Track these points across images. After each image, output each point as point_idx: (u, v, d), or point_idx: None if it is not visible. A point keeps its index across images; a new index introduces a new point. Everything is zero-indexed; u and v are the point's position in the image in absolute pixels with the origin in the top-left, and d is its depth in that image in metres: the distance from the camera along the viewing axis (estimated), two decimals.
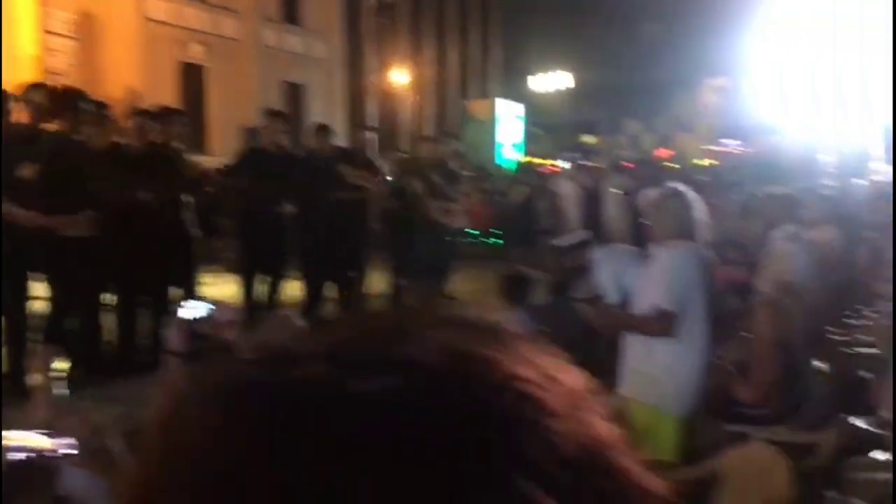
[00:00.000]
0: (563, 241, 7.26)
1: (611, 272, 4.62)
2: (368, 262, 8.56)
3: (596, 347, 5.34)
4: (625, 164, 15.18)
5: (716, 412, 4.16)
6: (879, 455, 4.41)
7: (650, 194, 3.97)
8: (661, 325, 3.71)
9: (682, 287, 3.67)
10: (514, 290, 5.72)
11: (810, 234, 6.54)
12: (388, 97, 27.17)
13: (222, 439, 0.38)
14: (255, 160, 7.23)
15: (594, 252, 5.85)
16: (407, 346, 0.42)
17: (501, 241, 14.76)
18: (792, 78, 19.25)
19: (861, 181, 14.91)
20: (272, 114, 7.49)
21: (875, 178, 18.21)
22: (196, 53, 18.77)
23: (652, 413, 3.76)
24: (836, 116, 19.39)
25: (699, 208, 3.84)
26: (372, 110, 24.36)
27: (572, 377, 0.45)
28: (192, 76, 18.82)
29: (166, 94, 17.05)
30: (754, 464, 3.20)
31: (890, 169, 20.38)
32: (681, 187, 3.99)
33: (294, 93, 21.74)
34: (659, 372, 3.74)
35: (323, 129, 8.14)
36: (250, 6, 20.19)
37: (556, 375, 0.43)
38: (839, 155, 18.91)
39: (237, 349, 0.49)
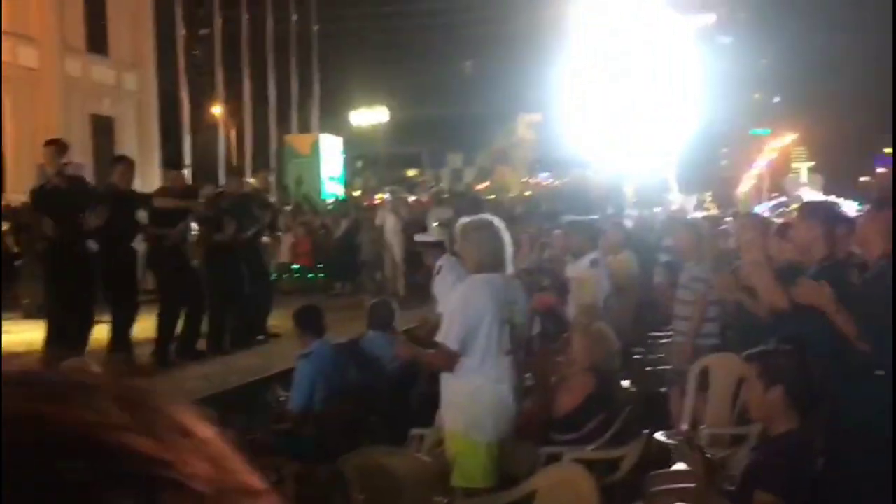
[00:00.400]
0: (423, 237, 7.44)
1: (450, 281, 4.74)
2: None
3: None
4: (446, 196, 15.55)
5: (529, 436, 4.32)
6: (680, 466, 4.75)
7: (458, 225, 4.08)
8: (444, 361, 3.85)
9: (462, 322, 3.80)
10: (312, 321, 5.73)
11: (609, 260, 6.98)
12: (204, 131, 26.37)
13: None
14: (47, 197, 6.73)
15: (442, 259, 5.97)
16: None
17: (325, 275, 14.67)
18: (598, 113, 20.57)
19: (658, 209, 16.11)
20: (49, 143, 6.95)
21: (672, 207, 19.80)
22: None
23: (463, 441, 3.85)
24: (636, 150, 20.90)
25: (505, 239, 3.99)
26: (187, 145, 23.55)
27: (182, 413, 0.42)
28: None
29: None
30: (562, 482, 3.36)
31: (682, 197, 22.17)
32: (486, 218, 4.14)
33: (103, 126, 20.64)
34: (464, 401, 3.85)
35: (122, 161, 7.77)
36: (50, 35, 19.01)
37: (159, 416, 0.41)
38: (639, 186, 20.39)
39: None
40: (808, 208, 4.96)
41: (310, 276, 14.72)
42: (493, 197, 19.89)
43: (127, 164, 7.62)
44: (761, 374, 3.00)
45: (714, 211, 21.11)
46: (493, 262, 3.89)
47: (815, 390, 3.03)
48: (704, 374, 5.39)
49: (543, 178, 33.69)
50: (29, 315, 9.34)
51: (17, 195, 12.27)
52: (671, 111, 22.29)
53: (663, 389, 6.31)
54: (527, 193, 28.83)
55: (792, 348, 3.09)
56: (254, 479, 0.43)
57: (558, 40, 25.57)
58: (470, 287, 3.91)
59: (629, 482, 4.28)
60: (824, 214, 4.48)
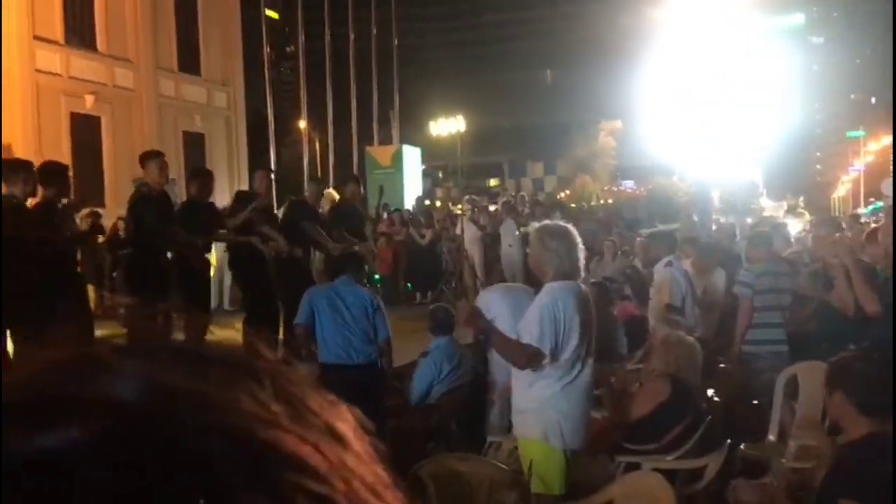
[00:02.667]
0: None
1: (504, 310, 4.71)
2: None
3: None
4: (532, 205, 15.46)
5: (605, 444, 4.26)
6: (766, 479, 4.60)
7: (533, 231, 4.05)
8: (528, 356, 3.80)
9: (549, 327, 3.76)
10: (444, 323, 5.80)
11: (687, 266, 6.83)
12: (289, 145, 27.05)
13: None
14: (143, 205, 7.00)
15: (487, 292, 5.97)
16: (102, 382, 0.36)
17: (411, 286, 14.80)
18: (682, 119, 20.16)
19: (749, 220, 15.64)
20: (152, 155, 7.23)
21: (765, 213, 19.19)
22: (89, 104, 18.31)
23: (538, 448, 3.82)
24: (723, 155, 20.37)
25: (580, 246, 3.96)
26: (273, 158, 24.19)
27: (334, 415, 0.40)
28: (85, 127, 18.34)
29: (59, 145, 16.54)
30: (640, 491, 3.30)
31: (772, 204, 21.50)
32: (561, 225, 4.10)
33: (195, 141, 21.43)
34: (539, 407, 3.82)
35: (201, 174, 8.05)
36: (145, 57, 19.89)
37: (311, 415, 0.39)
38: (726, 192, 19.87)
39: None
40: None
41: (396, 285, 14.84)
42: (574, 205, 19.72)
43: (206, 176, 7.90)
44: (827, 381, 2.89)
45: (807, 216, 20.41)
46: (570, 270, 3.85)
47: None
48: (792, 383, 5.21)
49: (626, 185, 33.27)
50: (125, 324, 9.71)
51: (115, 209, 12.83)
52: (759, 115, 21.66)
53: (755, 401, 6.14)
54: (609, 201, 28.51)
55: (871, 352, 2.97)
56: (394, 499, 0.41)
57: (639, 46, 25.23)
58: (554, 294, 3.86)
59: (712, 493, 4.17)
60: None
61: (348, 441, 0.39)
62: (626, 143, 34.84)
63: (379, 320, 5.65)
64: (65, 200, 6.22)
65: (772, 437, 5.19)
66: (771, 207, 22.48)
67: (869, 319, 4.53)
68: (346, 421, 0.41)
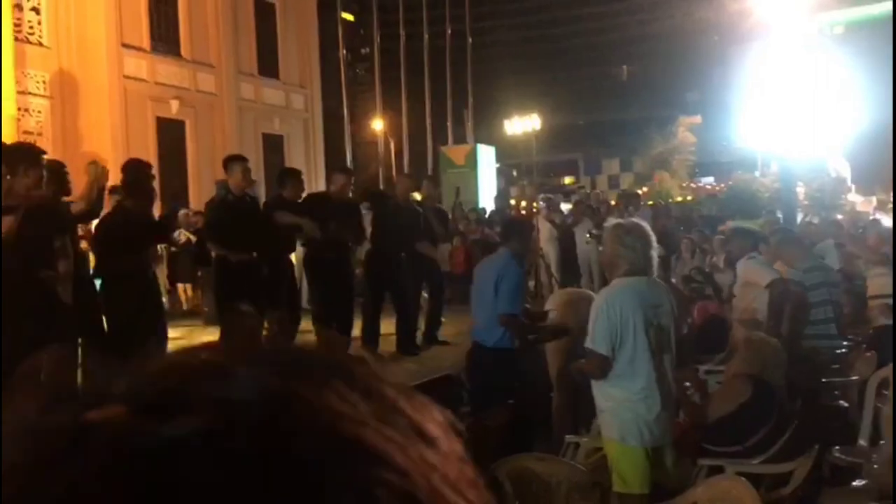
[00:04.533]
0: None
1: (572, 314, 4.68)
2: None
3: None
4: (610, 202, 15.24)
5: (687, 446, 4.18)
6: (858, 483, 4.43)
7: (607, 228, 4.02)
8: (593, 366, 3.79)
9: (611, 330, 3.74)
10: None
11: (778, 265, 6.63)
12: (364, 145, 27.38)
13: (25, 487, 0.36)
14: (226, 211, 7.16)
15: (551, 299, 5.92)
16: (218, 385, 0.39)
17: None
18: (764, 114, 19.59)
19: (840, 217, 15.09)
20: (237, 159, 7.39)
21: (858, 208, 18.46)
22: (174, 108, 18.91)
23: (618, 448, 3.79)
24: (807, 149, 19.71)
25: (653, 242, 3.91)
26: (350, 157, 24.53)
27: (422, 414, 0.41)
28: (170, 131, 18.96)
29: (147, 149, 17.15)
30: (723, 495, 3.22)
31: (861, 199, 20.69)
32: (634, 221, 4.07)
33: (274, 143, 21.92)
34: (616, 406, 3.78)
35: (290, 174, 8.21)
36: (226, 61, 20.43)
37: (398, 414, 0.40)
38: (811, 188, 19.21)
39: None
40: None
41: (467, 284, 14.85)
42: (651, 203, 19.38)
43: (296, 177, 8.05)
44: None
45: None
46: (642, 266, 3.82)
47: None
48: (883, 386, 5.01)
49: (705, 182, 32.50)
50: (209, 322, 10.01)
51: (199, 209, 13.23)
52: (844, 106, 20.87)
53: (841, 403, 5.93)
54: (688, 198, 27.90)
55: None
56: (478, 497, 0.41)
57: (717, 39, 24.63)
58: (613, 292, 3.85)
59: (799, 498, 4.04)
60: None
61: (435, 440, 0.41)
62: (705, 138, 34.06)
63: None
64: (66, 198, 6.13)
65: (863, 442, 5.00)
66: (860, 203, 21.60)
67: None
68: (434, 421, 0.42)
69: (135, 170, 6.18)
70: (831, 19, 22.10)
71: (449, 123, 29.81)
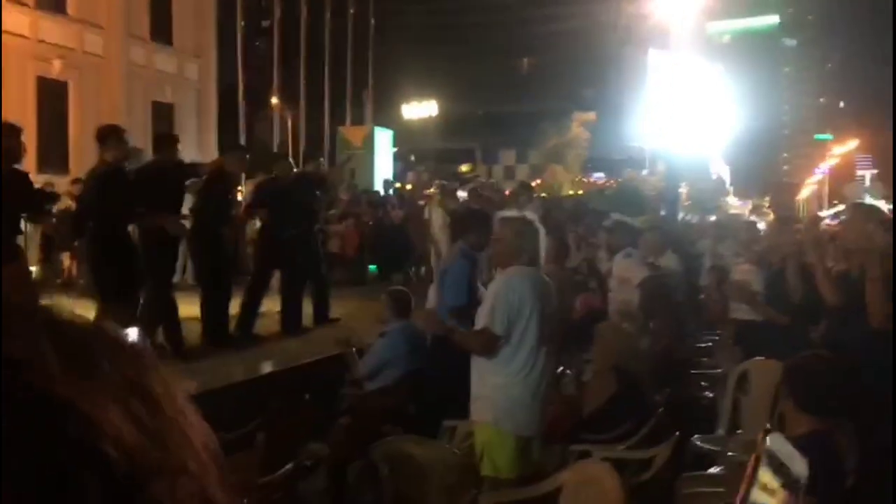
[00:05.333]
0: None
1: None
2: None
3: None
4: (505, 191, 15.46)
5: (560, 433, 4.32)
6: (715, 470, 4.70)
7: (496, 220, 4.11)
8: (484, 343, 3.87)
9: (506, 312, 3.83)
10: (396, 303, 5.79)
11: (654, 260, 6.91)
12: (260, 121, 26.78)
13: None
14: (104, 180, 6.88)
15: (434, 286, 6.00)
16: None
17: (375, 267, 14.78)
18: (654, 114, 20.31)
19: (713, 218, 15.81)
20: (103, 131, 7.12)
21: (731, 211, 19.43)
22: (56, 69, 17.96)
23: (491, 432, 3.88)
24: (692, 152, 20.57)
25: (541, 235, 4.01)
26: (243, 133, 23.95)
27: (143, 373, 0.42)
28: (52, 92, 18.00)
29: (25, 110, 16.22)
30: (588, 479, 3.35)
31: (738, 202, 21.79)
32: (523, 214, 4.17)
33: (164, 112, 21.14)
34: (494, 393, 3.88)
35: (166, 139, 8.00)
36: (116, 23, 19.53)
37: (109, 372, 0.41)
38: (694, 189, 20.09)
39: None
40: (856, 211, 4.86)
41: (362, 267, 14.82)
42: (544, 195, 19.80)
43: (171, 140, 7.85)
44: (783, 380, 2.97)
45: (771, 216, 20.67)
46: (535, 258, 3.92)
47: (846, 395, 2.98)
48: (744, 378, 5.32)
49: (596, 177, 33.43)
50: (83, 295, 9.62)
51: (78, 176, 12.63)
52: (729, 113, 21.89)
53: (708, 393, 6.25)
54: (579, 192, 28.64)
55: (823, 352, 3.05)
56: (189, 456, 0.42)
57: (615, 39, 25.34)
58: (511, 279, 3.93)
59: (661, 484, 4.25)
60: (873, 216, 4.40)
61: (152, 395, 0.42)
62: (599, 134, 35.02)
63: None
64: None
65: (721, 431, 5.30)
66: (737, 206, 22.76)
67: (823, 315, 4.64)
68: (160, 380, 0.43)
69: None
70: (720, 28, 23.13)
71: (348, 104, 29.51)
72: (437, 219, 13.56)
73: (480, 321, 3.92)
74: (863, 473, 3.50)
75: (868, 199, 22.05)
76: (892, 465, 3.57)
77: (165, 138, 8.45)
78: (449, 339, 4.32)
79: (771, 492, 2.09)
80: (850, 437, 3.52)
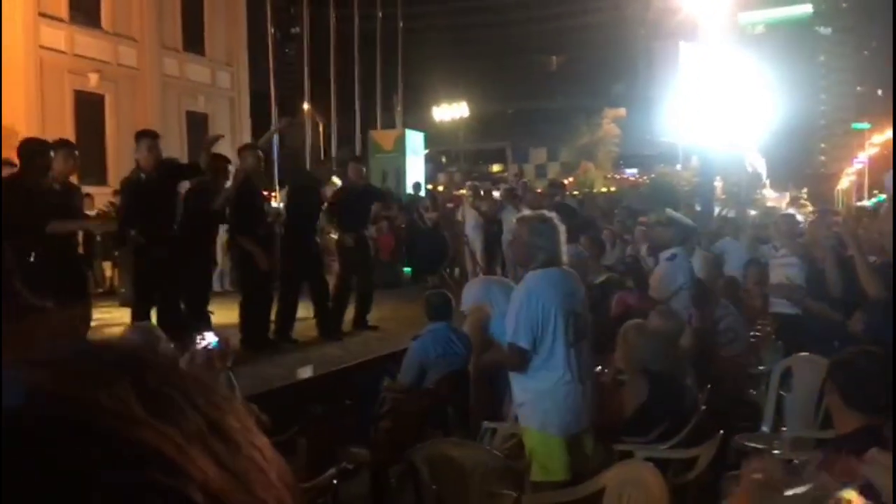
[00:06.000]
0: None
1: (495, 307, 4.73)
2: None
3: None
4: (537, 191, 15.42)
5: (605, 433, 4.29)
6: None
7: (515, 220, 4.09)
8: (514, 359, 3.86)
9: (530, 320, 3.81)
10: (432, 305, 5.77)
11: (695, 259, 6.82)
12: (292, 126, 26.93)
13: None
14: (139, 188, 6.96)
15: (468, 287, 5.98)
16: None
17: (410, 271, 14.82)
18: (687, 109, 20.11)
19: (754, 213, 15.61)
20: (137, 135, 7.15)
21: (768, 203, 19.16)
22: (93, 82, 18.28)
23: (537, 437, 3.86)
24: (726, 146, 20.32)
25: (561, 233, 3.99)
26: (276, 140, 24.17)
27: (217, 408, 0.42)
28: (89, 105, 18.32)
29: (63, 123, 16.52)
30: (631, 479, 3.33)
31: (775, 194, 21.48)
32: (543, 213, 4.13)
33: (198, 122, 21.40)
34: (536, 398, 3.86)
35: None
36: (150, 35, 19.83)
37: (188, 412, 0.40)
38: (730, 182, 19.85)
39: None
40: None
41: (396, 270, 14.87)
42: (577, 193, 19.69)
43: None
44: (828, 376, 2.93)
45: (809, 208, 20.34)
46: (556, 257, 3.89)
47: (893, 391, 2.92)
48: (787, 375, 5.24)
49: (629, 174, 33.20)
50: (124, 303, 9.77)
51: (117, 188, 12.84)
52: (764, 105, 21.58)
53: (751, 391, 6.17)
54: (611, 189, 28.45)
55: (871, 348, 2.99)
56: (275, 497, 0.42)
57: (645, 34, 25.12)
58: (533, 283, 3.91)
59: (705, 483, 4.20)
60: None
61: (231, 434, 0.42)
62: (630, 130, 34.74)
63: None
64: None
65: (765, 429, 5.23)
66: (774, 199, 22.43)
67: (859, 307, 4.56)
68: (236, 415, 0.43)
69: (26, 149, 5.90)
70: (752, 19, 22.81)
71: (378, 108, 29.64)
72: (469, 219, 13.58)
73: (508, 331, 3.92)
74: None
75: None
76: None
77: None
78: (481, 361, 4.32)
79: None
80: None
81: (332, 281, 9.02)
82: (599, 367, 5.36)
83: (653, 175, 26.54)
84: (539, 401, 3.88)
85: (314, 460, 4.10)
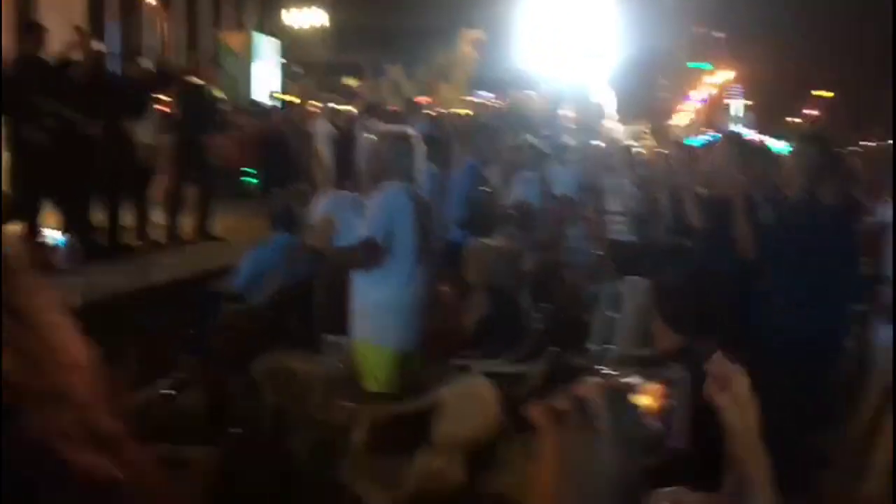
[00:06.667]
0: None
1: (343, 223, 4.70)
2: None
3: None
4: (391, 108, 15.26)
5: (441, 349, 4.40)
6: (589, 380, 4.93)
7: (376, 134, 4.06)
8: (365, 253, 3.86)
9: (386, 221, 3.83)
10: (285, 220, 5.64)
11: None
12: (133, 21, 25.05)
13: None
14: None
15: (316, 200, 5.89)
16: None
17: (255, 180, 14.38)
18: (541, 35, 20.39)
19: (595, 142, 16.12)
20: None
21: (614, 136, 19.88)
22: None
23: (372, 349, 3.91)
24: (576, 75, 20.85)
25: (418, 152, 3.99)
26: (113, 30, 22.43)
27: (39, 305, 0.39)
28: None
29: None
30: (466, 393, 3.44)
31: (622, 127, 22.36)
32: (402, 129, 4.13)
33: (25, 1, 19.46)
34: (374, 310, 3.89)
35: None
36: None
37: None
38: (578, 111, 20.39)
39: None
40: (729, 139, 5.07)
41: (242, 179, 14.42)
42: (432, 113, 19.64)
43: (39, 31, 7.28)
44: (651, 298, 3.12)
45: (650, 142, 21.33)
46: (412, 174, 3.89)
47: (711, 312, 3.15)
48: (617, 296, 5.55)
49: (486, 97, 33.39)
50: None
51: None
52: (611, 38, 22.24)
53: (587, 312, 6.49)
54: (468, 112, 28.58)
55: (693, 272, 3.20)
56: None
57: None
58: (391, 192, 3.91)
59: (537, 398, 4.42)
60: (742, 146, 4.60)
61: (29, 315, 0.39)
62: (487, 54, 34.82)
63: None
64: None
65: (594, 347, 5.54)
66: (618, 130, 23.31)
67: (691, 241, 4.86)
68: (30, 294, 0.40)
69: None
70: None
71: (229, 7, 28.05)
72: (322, 132, 13.30)
73: (362, 231, 3.90)
74: None
75: (739, 130, 23.07)
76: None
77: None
78: (327, 257, 4.29)
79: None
80: (714, 353, 3.74)
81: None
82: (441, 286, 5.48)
83: (508, 100, 26.88)
84: (380, 313, 3.92)
85: (148, 372, 3.98)
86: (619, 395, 0.83)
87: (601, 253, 7.58)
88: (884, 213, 5.75)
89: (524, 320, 4.72)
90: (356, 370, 4.08)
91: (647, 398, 1.08)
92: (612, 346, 5.38)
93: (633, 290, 5.42)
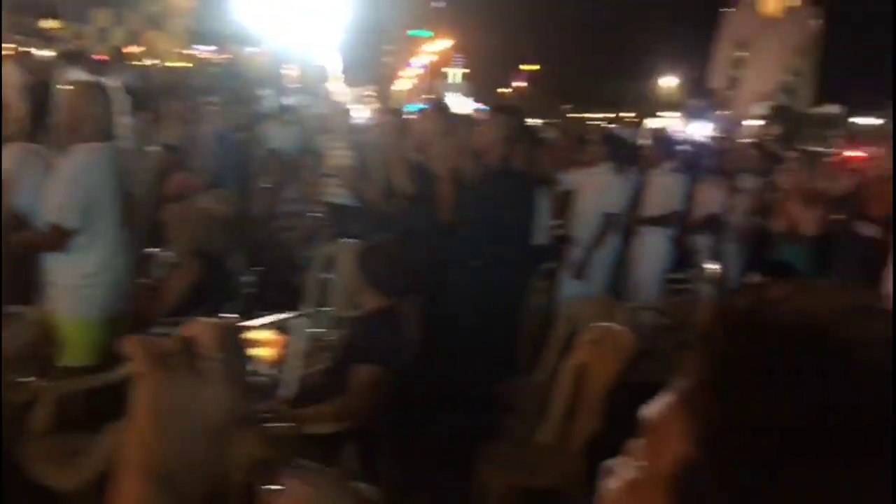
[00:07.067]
0: None
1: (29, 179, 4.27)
2: None
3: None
4: (95, 56, 13.99)
5: (146, 318, 4.18)
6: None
7: (60, 89, 3.72)
8: (56, 242, 3.57)
9: (80, 197, 3.56)
10: None
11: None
12: None
13: None
14: None
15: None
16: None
17: None
18: None
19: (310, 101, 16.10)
20: None
21: (336, 99, 19.93)
22: None
23: (70, 321, 3.64)
24: (300, 35, 20.58)
25: (116, 106, 3.72)
26: None
27: None
28: None
29: None
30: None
31: (349, 91, 22.51)
32: (90, 80, 3.84)
33: None
34: (80, 280, 3.62)
35: None
36: None
37: None
38: (300, 71, 20.19)
39: None
40: (435, 108, 5.30)
41: None
42: (140, 63, 18.38)
43: None
44: (357, 260, 3.21)
45: (376, 106, 21.69)
46: (111, 131, 3.61)
47: (410, 276, 3.30)
48: (331, 258, 5.62)
49: (202, 50, 31.83)
50: None
51: None
52: (336, 6, 22.25)
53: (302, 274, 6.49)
54: (186, 65, 27.10)
55: (395, 237, 3.33)
56: None
57: None
58: (81, 158, 3.59)
59: None
60: (448, 115, 4.84)
61: None
62: (205, 6, 33.19)
63: None
64: None
65: (308, 308, 5.58)
66: (347, 94, 23.43)
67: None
68: None
69: None
70: None
71: None
72: (13, 80, 11.89)
73: (50, 206, 3.55)
74: (427, 343, 3.97)
75: (456, 97, 24.24)
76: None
77: None
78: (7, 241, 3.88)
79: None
80: (416, 312, 3.94)
81: None
82: (151, 251, 5.19)
83: (228, 55, 25.90)
84: (82, 284, 3.63)
85: None
86: (230, 339, 0.82)
87: (319, 215, 7.63)
88: (572, 180, 6.35)
89: (235, 284, 4.61)
90: (48, 343, 3.75)
91: (263, 346, 1.10)
92: (326, 308, 5.45)
93: (346, 252, 5.51)
